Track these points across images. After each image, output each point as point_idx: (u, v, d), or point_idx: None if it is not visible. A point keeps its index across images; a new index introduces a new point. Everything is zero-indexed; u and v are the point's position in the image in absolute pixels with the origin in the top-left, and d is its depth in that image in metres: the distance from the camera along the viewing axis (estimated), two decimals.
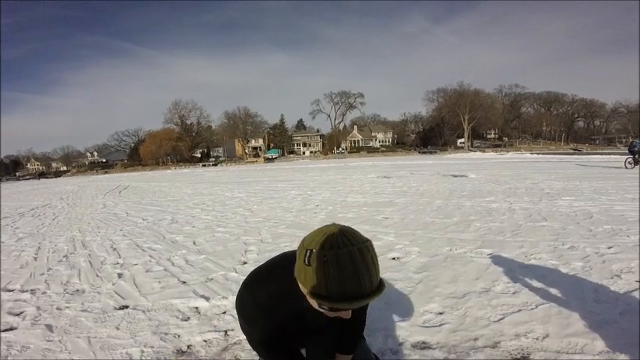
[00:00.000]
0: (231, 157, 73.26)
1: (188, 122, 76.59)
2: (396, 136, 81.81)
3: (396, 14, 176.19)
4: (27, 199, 15.16)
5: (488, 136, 78.92)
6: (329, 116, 77.41)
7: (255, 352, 1.22)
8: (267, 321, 1.07)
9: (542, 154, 40.85)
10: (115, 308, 2.83)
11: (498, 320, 2.28)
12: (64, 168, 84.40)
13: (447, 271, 3.21)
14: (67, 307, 2.89)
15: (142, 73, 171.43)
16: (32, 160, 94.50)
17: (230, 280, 3.32)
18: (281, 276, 1.05)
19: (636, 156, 13.84)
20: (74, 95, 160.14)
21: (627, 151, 14.98)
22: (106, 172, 62.93)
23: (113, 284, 3.39)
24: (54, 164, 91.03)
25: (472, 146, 67.84)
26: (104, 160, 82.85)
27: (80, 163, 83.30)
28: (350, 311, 0.94)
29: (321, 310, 0.92)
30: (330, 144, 73.90)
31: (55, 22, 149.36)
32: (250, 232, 5.29)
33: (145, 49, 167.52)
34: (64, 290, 3.31)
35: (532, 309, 2.40)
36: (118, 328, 2.46)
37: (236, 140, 74.49)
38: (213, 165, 62.66)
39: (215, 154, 77.44)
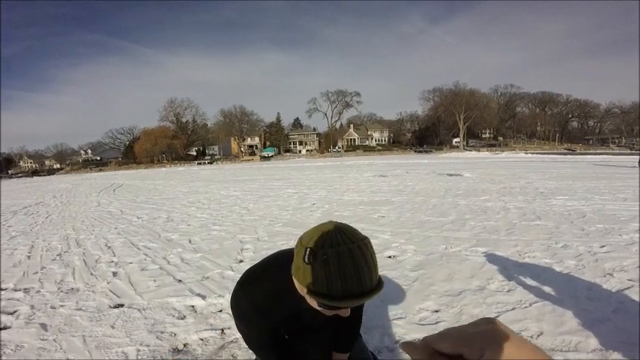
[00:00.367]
0: (227, 156, 72.96)
1: (183, 120, 76.03)
2: (392, 135, 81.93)
3: (394, 14, 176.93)
4: (20, 197, 15.00)
5: (484, 136, 79.28)
6: (325, 115, 77.46)
7: (252, 351, 1.22)
8: (263, 320, 1.06)
9: (537, 153, 41.18)
10: (110, 307, 2.81)
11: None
12: (58, 166, 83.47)
13: (443, 270, 3.23)
14: (62, 306, 2.87)
15: (139, 71, 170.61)
16: (25, 157, 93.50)
17: (226, 278, 3.32)
18: (277, 274, 1.04)
19: None
20: (69, 93, 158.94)
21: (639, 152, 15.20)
22: (100, 170, 62.38)
23: (108, 283, 3.37)
24: (47, 162, 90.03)
25: (467, 145, 68.14)
26: (98, 158, 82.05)
27: (74, 161, 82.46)
28: (349, 310, 0.94)
29: (320, 308, 0.92)
30: (327, 142, 73.91)
31: (51, 19, 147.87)
32: (246, 231, 5.28)
33: (142, 47, 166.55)
34: (58, 289, 3.29)
35: (526, 307, 2.42)
36: (113, 327, 2.45)
37: (232, 138, 74.14)
38: (208, 163, 62.35)
39: (211, 152, 77.04)
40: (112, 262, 4.08)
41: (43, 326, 2.53)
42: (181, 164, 61.62)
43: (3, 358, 2.16)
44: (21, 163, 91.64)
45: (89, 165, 74.66)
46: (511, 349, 0.32)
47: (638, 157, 13.91)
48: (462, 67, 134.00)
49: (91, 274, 3.67)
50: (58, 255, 4.54)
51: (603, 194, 7.11)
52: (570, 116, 78.70)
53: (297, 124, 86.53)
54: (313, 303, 0.92)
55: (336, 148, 72.16)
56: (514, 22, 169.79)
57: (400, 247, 4.00)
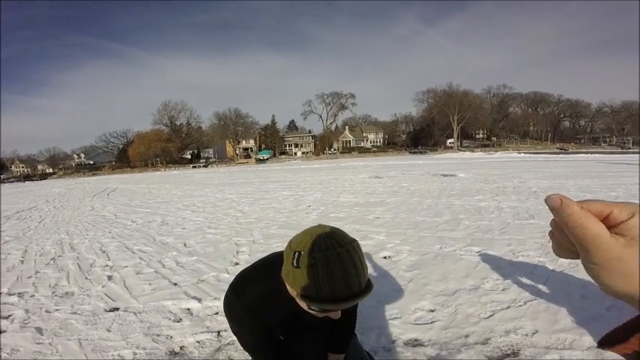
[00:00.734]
0: (222, 159, 72.69)
1: (178, 123, 75.79)
2: (387, 136, 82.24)
3: (389, 16, 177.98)
4: (12, 202, 14.84)
5: (477, 136, 79.83)
6: (321, 117, 77.47)
7: (247, 353, 1.22)
8: (256, 322, 1.07)
9: (530, 153, 41.52)
10: (106, 310, 2.80)
11: (488, 317, 2.32)
12: (50, 170, 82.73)
13: (438, 269, 3.25)
14: (57, 310, 2.85)
15: (133, 73, 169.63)
16: (17, 162, 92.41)
17: (222, 281, 3.31)
18: (269, 276, 1.05)
19: None
20: (62, 96, 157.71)
21: None
22: (93, 175, 61.89)
23: (103, 286, 3.35)
24: (39, 166, 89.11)
25: (461, 146, 68.55)
26: (92, 162, 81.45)
27: (67, 165, 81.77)
28: (339, 311, 0.94)
29: (311, 311, 0.93)
30: (322, 144, 73.92)
31: (44, 22, 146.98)
32: (242, 234, 5.27)
33: (136, 49, 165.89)
34: (53, 293, 3.26)
35: (521, 305, 2.45)
36: (109, 330, 2.44)
37: (227, 141, 73.91)
38: (203, 166, 62.11)
39: (205, 156, 76.72)
40: (107, 265, 4.05)
41: (39, 330, 2.51)
42: (176, 168, 61.34)
43: None
44: (13, 167, 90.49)
45: (82, 169, 74.12)
46: None
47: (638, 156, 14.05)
48: (456, 68, 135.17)
49: (86, 278, 3.65)
50: (52, 259, 4.50)
51: (595, 192, 7.20)
52: (562, 116, 79.52)
53: (292, 126, 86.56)
54: (303, 305, 0.93)
55: (332, 150, 72.23)
56: (506, 23, 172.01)
57: (395, 248, 4.01)
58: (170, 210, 8.50)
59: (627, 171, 12.08)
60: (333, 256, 0.85)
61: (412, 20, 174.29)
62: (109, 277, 3.61)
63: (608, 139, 68.70)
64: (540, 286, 2.72)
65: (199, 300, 2.87)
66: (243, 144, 76.58)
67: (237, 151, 74.14)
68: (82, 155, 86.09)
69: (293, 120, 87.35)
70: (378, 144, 78.32)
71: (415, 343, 2.09)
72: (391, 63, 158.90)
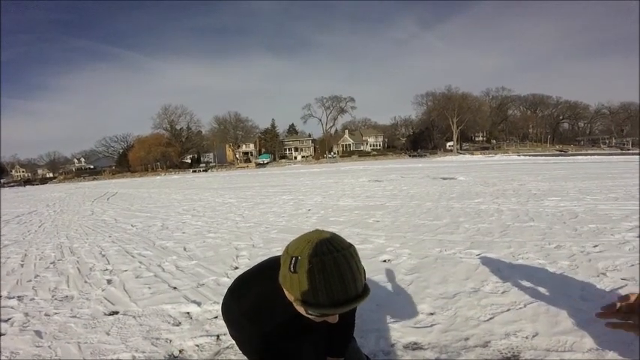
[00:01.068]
0: (222, 163, 72.75)
1: (178, 127, 75.83)
2: (386, 139, 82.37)
3: (387, 19, 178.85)
4: (12, 206, 14.83)
5: (477, 139, 79.97)
6: (320, 121, 77.78)
7: (245, 357, 1.22)
8: (254, 326, 1.07)
9: (529, 155, 41.56)
10: (105, 314, 2.79)
11: (488, 320, 2.31)
12: (51, 175, 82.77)
13: (437, 272, 3.24)
14: (56, 313, 2.85)
15: (133, 77, 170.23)
16: (17, 166, 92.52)
17: (222, 285, 3.30)
18: (267, 281, 1.05)
19: None
20: (62, 100, 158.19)
21: None
22: (94, 179, 61.90)
23: (102, 290, 3.35)
24: (40, 171, 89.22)
25: (461, 149, 68.61)
26: (92, 167, 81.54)
27: (67, 170, 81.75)
28: (337, 316, 0.95)
29: (309, 315, 0.93)
30: (322, 148, 74.02)
31: (43, 25, 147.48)
32: (242, 238, 5.26)
33: (136, 53, 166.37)
34: (53, 297, 3.26)
35: (521, 308, 2.44)
36: (108, 334, 2.44)
37: (227, 145, 73.98)
38: (203, 171, 62.11)
39: (205, 160, 76.79)
40: (107, 269, 4.05)
41: (38, 333, 2.51)
42: (176, 172, 61.38)
43: None
44: (13, 172, 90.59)
45: (83, 174, 74.12)
46: None
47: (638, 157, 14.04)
48: (454, 70, 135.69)
49: (86, 281, 3.64)
50: (51, 263, 4.49)
51: (595, 194, 7.20)
52: (561, 118, 79.67)
53: (292, 130, 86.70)
54: (301, 310, 0.93)
55: (332, 153, 72.28)
56: (503, 25, 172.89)
57: (395, 251, 4.01)
58: (170, 214, 8.50)
59: (626, 172, 12.09)
60: (329, 261, 0.86)
61: (411, 23, 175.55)
62: (109, 281, 3.61)
63: (607, 141, 68.73)
64: (540, 289, 2.72)
65: (199, 304, 2.87)
66: (243, 148, 76.70)
67: (237, 156, 74.23)
68: (83, 160, 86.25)
69: (293, 124, 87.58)
70: (378, 147, 78.42)
71: (415, 347, 2.09)
72: (390, 66, 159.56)
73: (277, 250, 4.36)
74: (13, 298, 3.29)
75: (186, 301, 2.94)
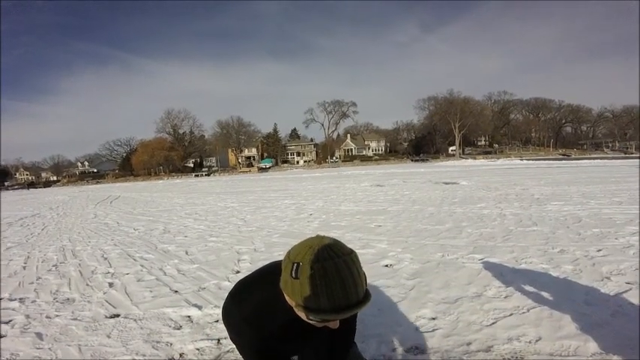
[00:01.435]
0: (225, 167, 72.94)
1: (180, 131, 76.24)
2: (388, 144, 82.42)
3: (389, 22, 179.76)
4: (15, 209, 14.90)
5: (479, 143, 79.88)
6: (322, 125, 77.99)
7: None
8: (254, 330, 1.06)
9: (532, 160, 41.43)
10: (106, 317, 2.79)
11: (491, 324, 2.29)
12: (54, 178, 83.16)
13: (440, 277, 3.22)
14: (57, 316, 2.84)
15: (136, 81, 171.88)
16: (21, 169, 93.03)
17: (223, 289, 3.29)
18: (268, 286, 1.05)
19: None
20: (64, 103, 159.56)
21: None
22: (97, 182, 62.19)
23: (104, 293, 3.35)
24: (43, 174, 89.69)
25: (464, 153, 68.52)
26: (95, 170, 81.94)
27: (70, 173, 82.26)
28: (338, 321, 0.95)
29: (310, 321, 0.93)
30: (324, 153, 74.16)
31: (47, 28, 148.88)
32: (243, 242, 5.26)
33: (139, 57, 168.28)
34: (54, 299, 3.26)
35: (524, 312, 2.42)
36: (109, 337, 2.43)
37: (229, 150, 74.24)
38: (206, 175, 62.29)
39: (208, 164, 77.05)
40: (108, 272, 4.05)
41: (39, 335, 2.51)
42: (179, 176, 61.58)
43: None
44: (17, 175, 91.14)
45: (86, 177, 74.53)
46: None
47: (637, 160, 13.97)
48: (456, 73, 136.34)
49: (87, 284, 3.65)
50: (53, 266, 4.50)
51: (599, 198, 7.16)
52: (564, 122, 79.54)
53: (294, 134, 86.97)
54: (302, 315, 0.93)
55: (334, 158, 72.38)
56: (504, 27, 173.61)
57: (397, 256, 3.99)
58: (172, 218, 8.51)
59: (630, 176, 12.03)
60: (331, 267, 0.86)
61: (412, 27, 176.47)
62: (110, 284, 3.60)
63: (610, 144, 68.55)
64: (543, 293, 2.70)
65: (200, 307, 2.86)
66: (246, 152, 76.87)
67: (240, 160, 74.41)
68: (86, 163, 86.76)
69: (295, 128, 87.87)
70: (380, 152, 78.48)
71: (416, 352, 2.07)
72: (392, 70, 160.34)
73: (279, 255, 4.35)
74: (15, 300, 3.29)
75: (188, 305, 2.93)
